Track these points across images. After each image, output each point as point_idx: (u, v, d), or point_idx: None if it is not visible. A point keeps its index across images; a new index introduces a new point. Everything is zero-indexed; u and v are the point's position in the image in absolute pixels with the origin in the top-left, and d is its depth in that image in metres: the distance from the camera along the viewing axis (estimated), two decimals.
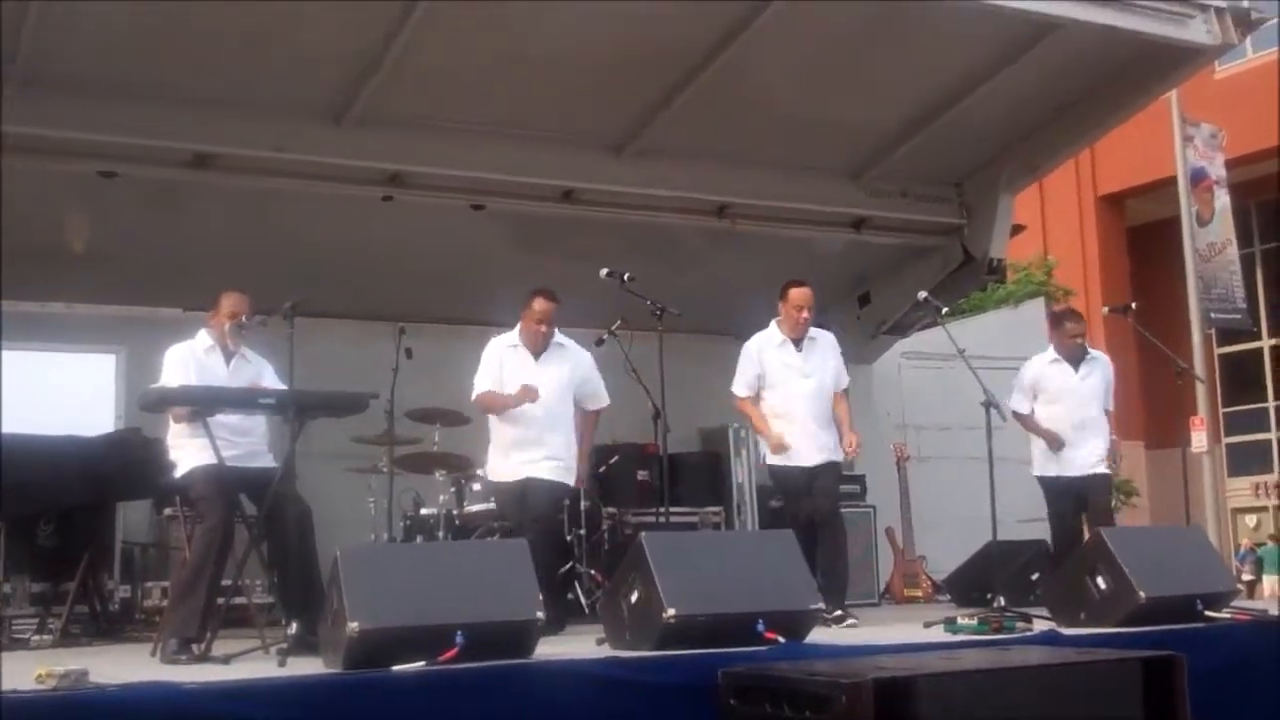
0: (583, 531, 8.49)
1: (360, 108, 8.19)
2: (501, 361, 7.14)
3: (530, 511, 6.94)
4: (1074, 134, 10.11)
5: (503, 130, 8.75)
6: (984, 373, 7.22)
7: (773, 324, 7.60)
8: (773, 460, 7.52)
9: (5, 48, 6.94)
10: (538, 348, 7.14)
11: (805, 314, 7.49)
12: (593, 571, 8.36)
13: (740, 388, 7.57)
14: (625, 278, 7.20)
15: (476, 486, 8.12)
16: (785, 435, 7.42)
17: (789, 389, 7.46)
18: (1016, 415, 7.93)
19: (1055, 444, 7.87)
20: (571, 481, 7.22)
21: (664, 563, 5.11)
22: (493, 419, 7.16)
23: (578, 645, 5.48)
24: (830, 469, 7.50)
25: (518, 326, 7.20)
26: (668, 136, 9.09)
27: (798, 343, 7.51)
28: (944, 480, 11.08)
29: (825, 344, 7.65)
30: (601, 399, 7.39)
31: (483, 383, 7.12)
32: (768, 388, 7.51)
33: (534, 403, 6.93)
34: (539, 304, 7.08)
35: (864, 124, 9.58)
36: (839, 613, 7.10)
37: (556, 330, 7.21)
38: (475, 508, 8.13)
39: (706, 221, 9.92)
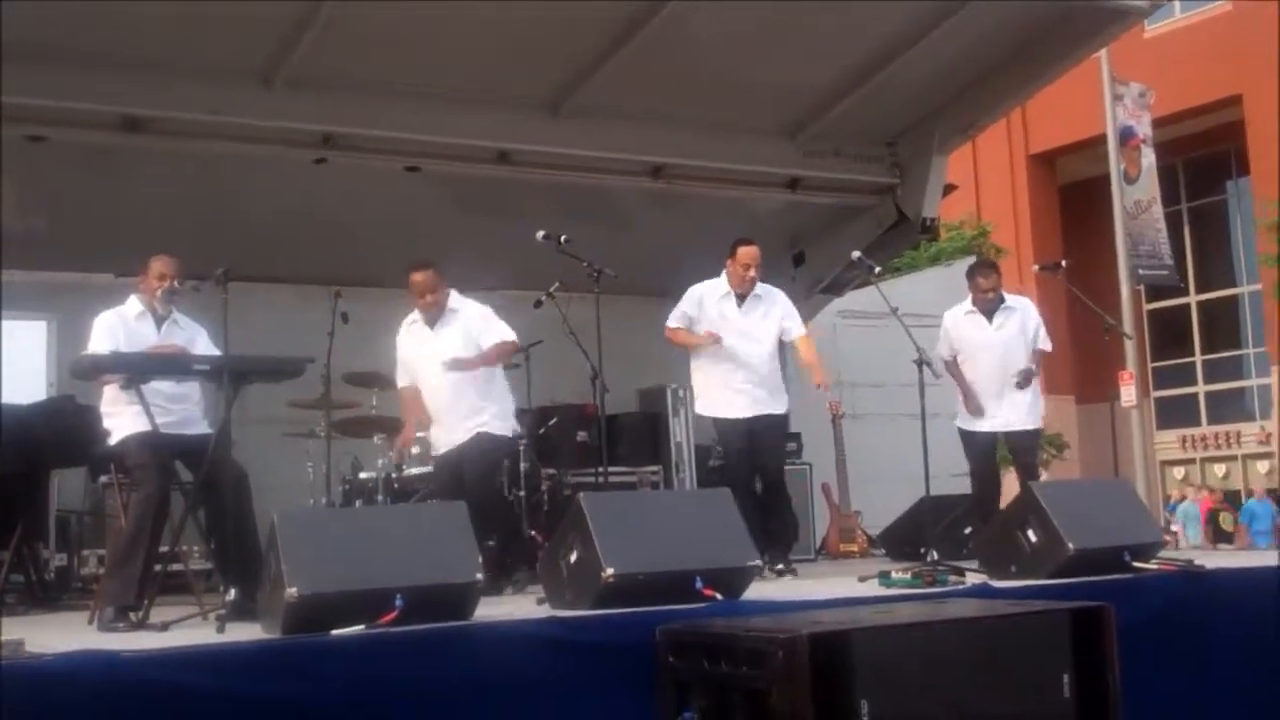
0: (522, 492, 8.50)
1: (292, 70, 8.11)
2: (404, 339, 7.24)
3: (468, 474, 6.98)
4: (1005, 93, 10.19)
5: (437, 92, 8.70)
6: (917, 330, 7.30)
7: (722, 274, 7.66)
8: (706, 413, 7.64)
9: None
10: (432, 319, 7.13)
11: (753, 272, 7.58)
12: (532, 532, 8.38)
13: (673, 320, 7.69)
14: (562, 240, 7.20)
15: (415, 450, 8.10)
16: (719, 388, 7.51)
17: (725, 344, 7.51)
18: (945, 365, 8.00)
19: (970, 403, 7.95)
20: (508, 433, 7.29)
21: (603, 522, 5.15)
22: (422, 394, 7.20)
23: (517, 605, 5.52)
24: (771, 424, 7.59)
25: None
26: (603, 97, 9.08)
27: (741, 298, 7.58)
28: (879, 437, 11.20)
29: (770, 300, 7.70)
30: (504, 334, 7.18)
31: (398, 365, 7.30)
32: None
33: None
34: (415, 278, 7.04)
35: (798, 84, 9.61)
36: (780, 566, 7.23)
37: (453, 294, 7.15)
38: (414, 471, 8.12)
39: (642, 182, 9.93)
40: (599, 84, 8.92)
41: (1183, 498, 25.67)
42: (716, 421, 7.67)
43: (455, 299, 7.17)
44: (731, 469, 7.61)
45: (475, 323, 7.16)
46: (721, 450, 7.95)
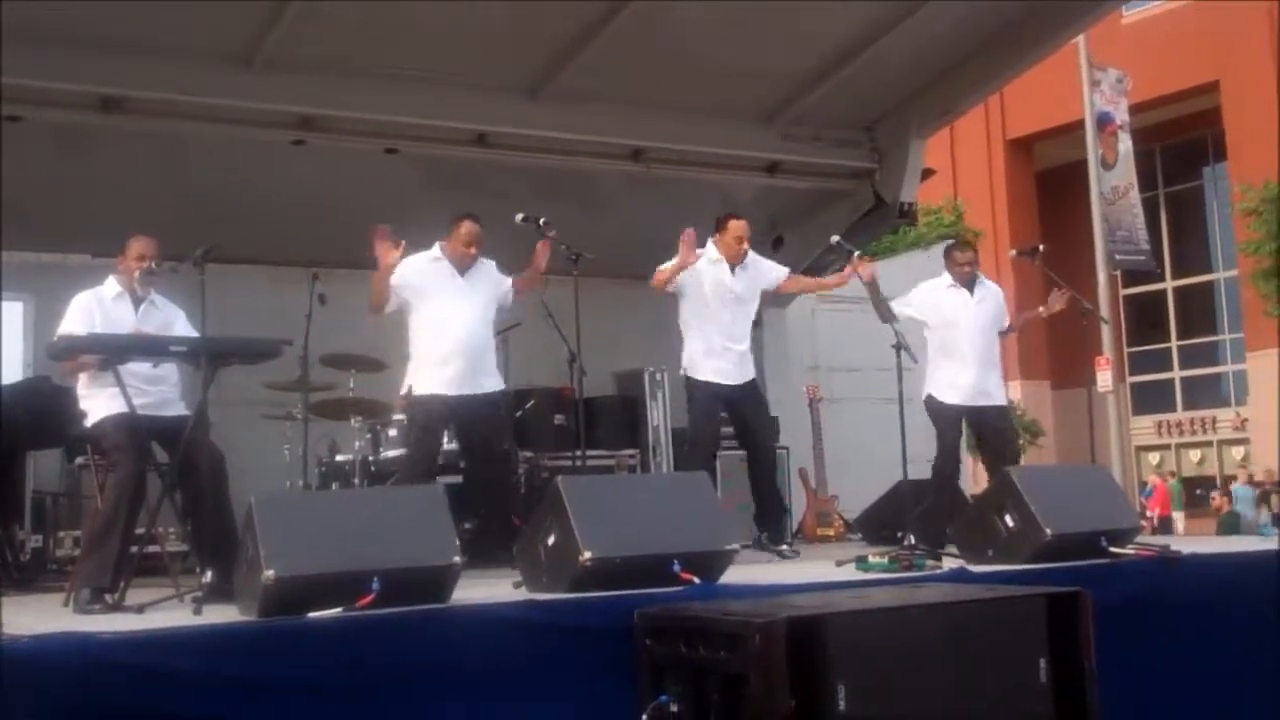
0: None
1: (270, 50, 8.08)
2: (422, 275, 7.07)
3: (476, 433, 7.07)
4: (983, 78, 10.20)
5: (416, 74, 8.67)
6: None
7: (709, 243, 7.64)
8: (694, 375, 7.59)
9: None
10: (463, 267, 7.13)
11: (744, 245, 7.60)
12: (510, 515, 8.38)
13: (661, 267, 7.56)
14: (540, 222, 7.19)
15: (393, 432, 8.08)
16: (703, 352, 7.51)
17: (713, 308, 7.52)
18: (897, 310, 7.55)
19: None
20: (502, 385, 7.35)
21: (580, 506, 5.15)
22: (420, 336, 7.10)
23: (494, 589, 5.51)
24: (752, 390, 7.62)
25: (435, 246, 7.16)
26: (583, 80, 9.06)
27: (733, 266, 7.60)
28: (856, 421, 11.21)
29: (755, 264, 7.75)
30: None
31: (389, 300, 7.06)
32: (692, 299, 7.57)
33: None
34: (467, 226, 7.06)
35: (778, 68, 9.61)
36: (784, 547, 7.29)
37: None
38: (391, 453, 8.11)
39: (622, 166, 9.92)
40: (579, 67, 8.91)
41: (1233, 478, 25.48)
42: (698, 384, 7.60)
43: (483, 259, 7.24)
44: (698, 431, 7.59)
45: (502, 284, 7.29)
46: (691, 412, 7.84)
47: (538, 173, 9.53)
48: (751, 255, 7.75)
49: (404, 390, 7.20)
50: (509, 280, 7.31)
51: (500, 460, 7.41)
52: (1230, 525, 20.72)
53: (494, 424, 7.26)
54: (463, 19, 8.16)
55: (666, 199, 10.12)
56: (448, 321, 7.04)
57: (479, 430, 7.14)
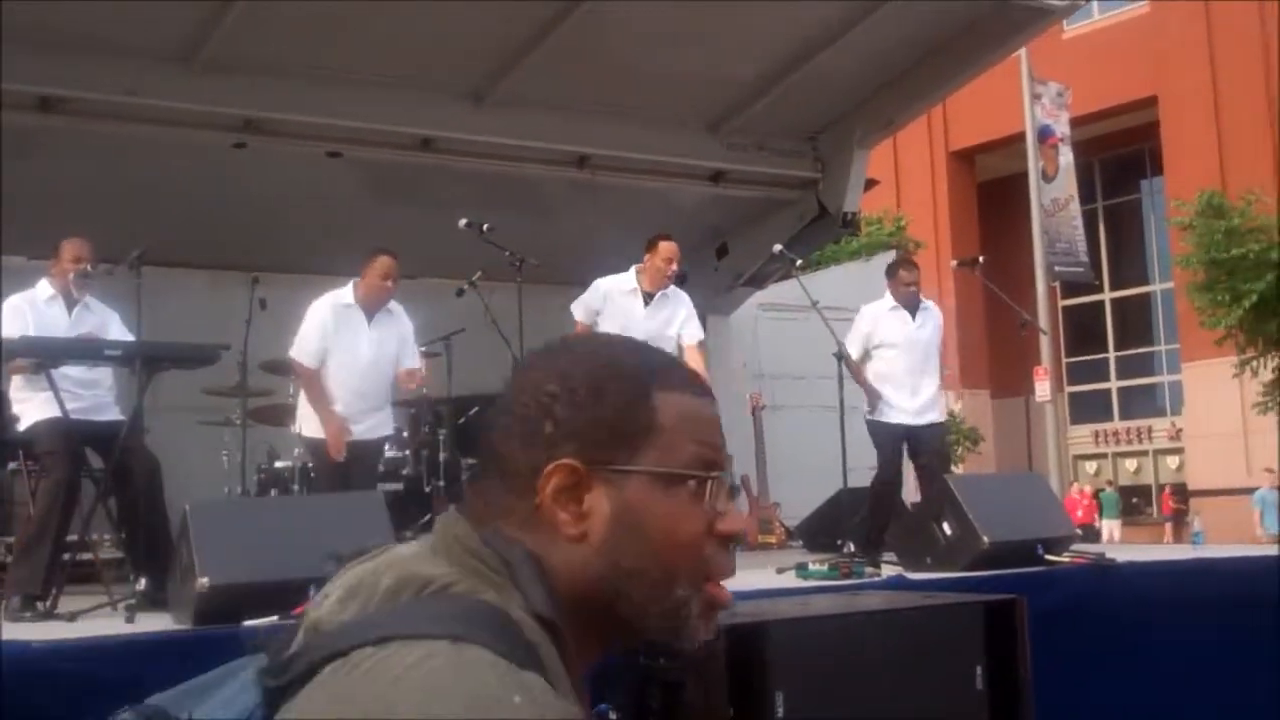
0: (442, 483, 8.46)
1: (213, 51, 7.99)
2: (334, 322, 6.87)
3: (355, 475, 6.86)
4: (926, 89, 10.28)
5: (360, 77, 8.62)
6: (836, 324, 7.35)
7: (631, 270, 7.60)
8: None
9: None
10: (374, 308, 6.91)
11: (672, 267, 7.54)
12: None
13: (578, 312, 7.55)
14: (484, 228, 7.16)
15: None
16: None
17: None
18: (847, 360, 7.70)
19: (873, 399, 7.79)
20: (390, 430, 7.27)
21: None
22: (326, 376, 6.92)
23: None
24: None
25: (351, 284, 6.93)
26: (529, 86, 9.04)
27: (649, 296, 7.56)
28: (797, 429, 11.26)
29: (676, 301, 7.66)
30: (413, 359, 7.19)
31: (308, 345, 6.83)
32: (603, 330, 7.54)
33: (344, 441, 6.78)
34: (384, 261, 6.83)
35: (722, 77, 9.63)
36: None
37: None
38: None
39: (567, 172, 9.91)
40: (524, 73, 8.89)
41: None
42: None
43: (393, 301, 7.03)
44: None
45: (407, 335, 7.08)
46: None
47: (482, 178, 9.50)
48: (676, 293, 7.65)
49: (295, 428, 7.13)
50: (410, 332, 7.11)
51: None
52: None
53: (371, 467, 7.11)
54: (408, 22, 8.11)
55: (611, 206, 10.13)
56: (346, 372, 6.88)
57: (355, 472, 6.92)
